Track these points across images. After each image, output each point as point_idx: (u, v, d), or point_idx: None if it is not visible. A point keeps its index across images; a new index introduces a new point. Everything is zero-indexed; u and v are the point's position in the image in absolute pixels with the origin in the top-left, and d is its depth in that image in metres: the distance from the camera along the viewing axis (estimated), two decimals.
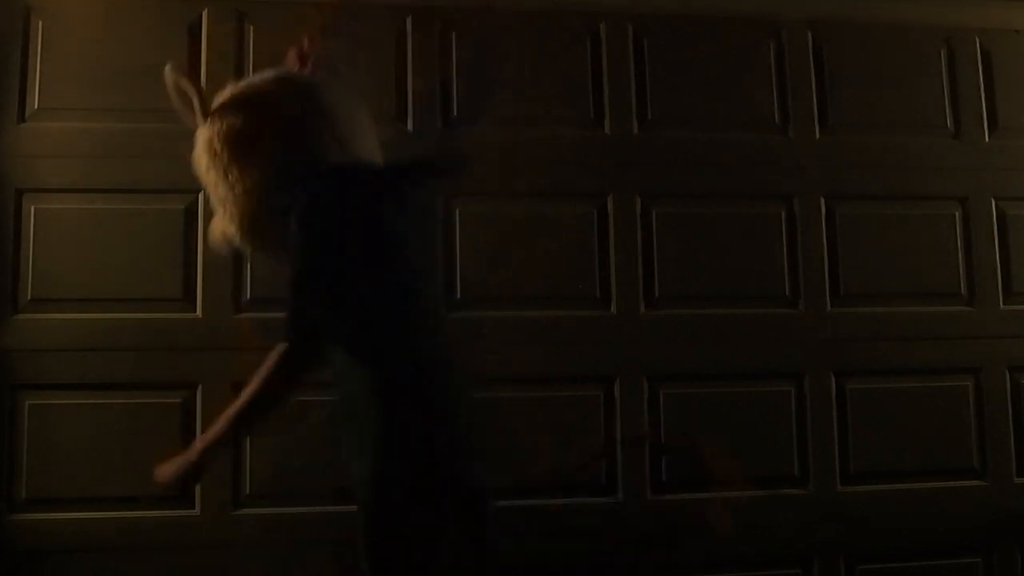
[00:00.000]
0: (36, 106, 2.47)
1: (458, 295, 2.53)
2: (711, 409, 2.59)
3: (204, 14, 2.54)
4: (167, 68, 1.71)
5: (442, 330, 1.75)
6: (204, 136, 1.71)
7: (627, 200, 2.64)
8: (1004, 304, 2.76)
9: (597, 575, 2.54)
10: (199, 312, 2.45)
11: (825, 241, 2.70)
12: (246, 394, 1.65)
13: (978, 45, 2.84)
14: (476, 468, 1.67)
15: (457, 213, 2.54)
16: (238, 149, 1.67)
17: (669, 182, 2.66)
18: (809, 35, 2.77)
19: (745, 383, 2.63)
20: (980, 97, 2.82)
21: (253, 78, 1.79)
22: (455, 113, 2.58)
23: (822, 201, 2.72)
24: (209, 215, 2.45)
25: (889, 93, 2.78)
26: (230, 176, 1.67)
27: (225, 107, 1.71)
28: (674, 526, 2.52)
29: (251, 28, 2.55)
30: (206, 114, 1.69)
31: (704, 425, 2.58)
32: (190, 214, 2.48)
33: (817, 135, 2.75)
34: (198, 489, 2.39)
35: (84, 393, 2.39)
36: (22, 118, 2.47)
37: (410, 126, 2.57)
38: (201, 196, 2.47)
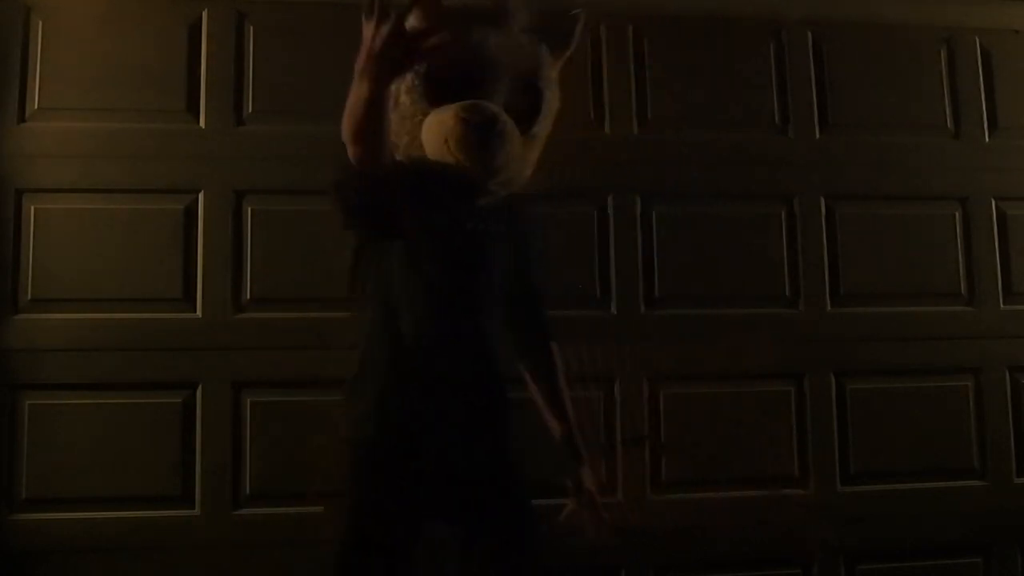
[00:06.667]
0: (36, 106, 2.47)
1: None
2: (711, 409, 2.59)
3: (204, 14, 2.54)
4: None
5: None
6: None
7: (627, 200, 2.64)
8: (1004, 304, 2.76)
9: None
10: (199, 312, 2.45)
11: (825, 241, 2.70)
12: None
13: (978, 45, 2.84)
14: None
15: None
16: None
17: (669, 182, 2.66)
18: (809, 35, 2.77)
19: (745, 383, 2.63)
20: (980, 97, 2.82)
21: None
22: None
23: (822, 201, 2.72)
24: (209, 215, 2.48)
25: (889, 93, 2.78)
26: None
27: None
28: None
29: (251, 28, 2.55)
30: None
31: (704, 425, 2.58)
32: (190, 214, 2.48)
33: (817, 135, 2.75)
34: (198, 489, 2.40)
35: (84, 393, 2.39)
36: (22, 118, 2.47)
37: None
38: (201, 196, 2.48)
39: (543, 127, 1.70)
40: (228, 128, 2.52)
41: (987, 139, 2.81)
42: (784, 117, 2.74)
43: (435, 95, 1.58)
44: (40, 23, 2.49)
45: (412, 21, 1.44)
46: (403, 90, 1.59)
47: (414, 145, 1.60)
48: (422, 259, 1.62)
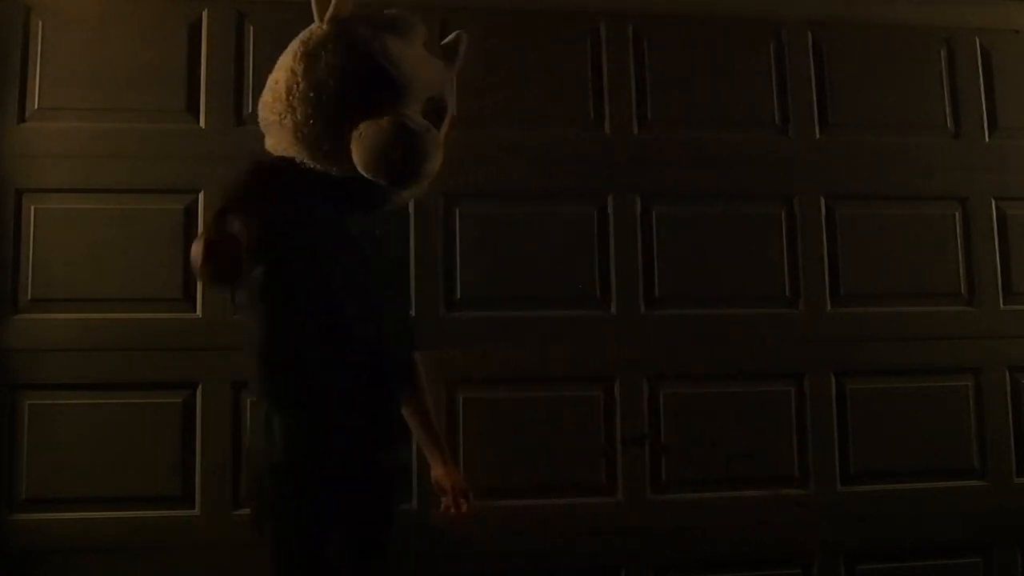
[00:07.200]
0: (36, 106, 2.47)
1: (458, 295, 2.53)
2: (711, 409, 2.59)
3: (204, 14, 2.54)
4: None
5: None
6: None
7: (627, 200, 2.64)
8: (1004, 304, 2.75)
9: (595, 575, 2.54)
10: (199, 312, 2.45)
11: (825, 241, 2.70)
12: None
13: (978, 45, 2.84)
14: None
15: (457, 213, 2.54)
16: None
17: (669, 182, 2.66)
18: (809, 35, 2.77)
19: (745, 383, 2.63)
20: (980, 97, 2.82)
21: None
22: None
23: (822, 201, 2.72)
24: (209, 214, 2.48)
25: (889, 93, 2.78)
26: None
27: None
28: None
29: (251, 28, 2.55)
30: None
31: (704, 425, 2.58)
32: (190, 214, 2.48)
33: (817, 135, 2.74)
34: (198, 489, 2.40)
35: (84, 393, 2.39)
36: (22, 118, 2.47)
37: None
38: (201, 196, 2.48)
39: (444, 136, 1.82)
40: (228, 128, 2.52)
41: (987, 139, 2.81)
42: (784, 117, 2.74)
43: (359, 109, 1.68)
44: (40, 23, 2.49)
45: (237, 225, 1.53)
46: (323, 99, 1.70)
47: (337, 153, 1.69)
48: (342, 268, 1.69)
